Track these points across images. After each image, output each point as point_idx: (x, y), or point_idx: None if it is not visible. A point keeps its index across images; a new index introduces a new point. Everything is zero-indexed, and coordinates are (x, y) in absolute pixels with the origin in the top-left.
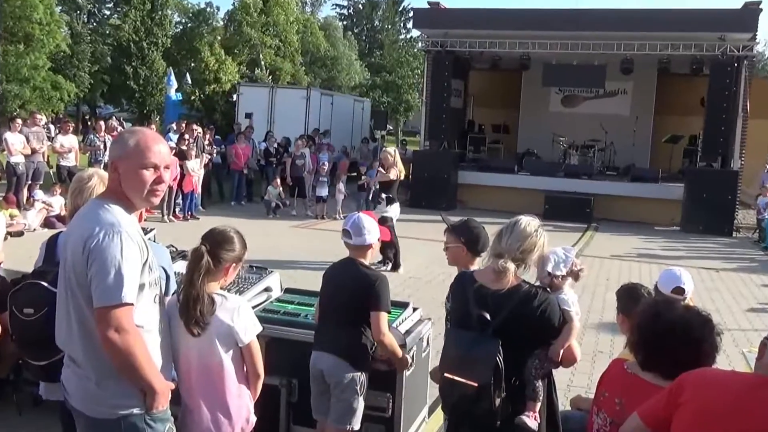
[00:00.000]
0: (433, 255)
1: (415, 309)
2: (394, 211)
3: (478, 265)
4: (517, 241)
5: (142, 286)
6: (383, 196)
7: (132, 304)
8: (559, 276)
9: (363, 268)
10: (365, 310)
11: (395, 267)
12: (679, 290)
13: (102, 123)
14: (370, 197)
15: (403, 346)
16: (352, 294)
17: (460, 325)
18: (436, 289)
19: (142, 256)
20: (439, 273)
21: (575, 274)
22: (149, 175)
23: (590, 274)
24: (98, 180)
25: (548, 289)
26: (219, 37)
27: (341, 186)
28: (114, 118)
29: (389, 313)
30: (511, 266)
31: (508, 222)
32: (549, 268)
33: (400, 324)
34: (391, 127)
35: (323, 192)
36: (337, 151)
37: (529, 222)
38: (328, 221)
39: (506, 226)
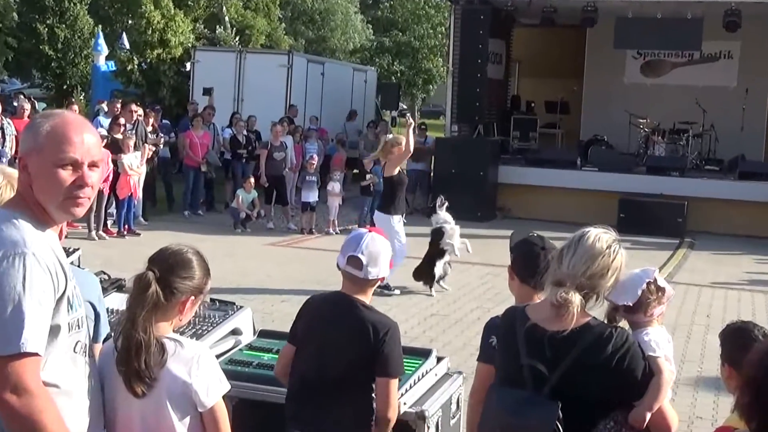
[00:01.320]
0: (464, 283)
1: (439, 359)
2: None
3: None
4: (583, 262)
5: (55, 329)
6: (440, 199)
7: (37, 355)
8: (645, 308)
9: (366, 312)
10: (370, 374)
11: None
12: None
13: None
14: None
15: (421, 416)
16: (353, 351)
17: (507, 380)
18: (468, 331)
19: (56, 288)
20: (472, 309)
21: (658, 299)
22: (67, 175)
23: (683, 309)
24: (4, 182)
25: (626, 327)
26: None
27: (336, 187)
28: (22, 96)
29: (402, 376)
30: (576, 298)
31: (570, 237)
32: (624, 299)
33: (419, 380)
34: (404, 106)
35: (311, 197)
36: (331, 141)
37: (598, 236)
38: (317, 237)
39: (568, 242)
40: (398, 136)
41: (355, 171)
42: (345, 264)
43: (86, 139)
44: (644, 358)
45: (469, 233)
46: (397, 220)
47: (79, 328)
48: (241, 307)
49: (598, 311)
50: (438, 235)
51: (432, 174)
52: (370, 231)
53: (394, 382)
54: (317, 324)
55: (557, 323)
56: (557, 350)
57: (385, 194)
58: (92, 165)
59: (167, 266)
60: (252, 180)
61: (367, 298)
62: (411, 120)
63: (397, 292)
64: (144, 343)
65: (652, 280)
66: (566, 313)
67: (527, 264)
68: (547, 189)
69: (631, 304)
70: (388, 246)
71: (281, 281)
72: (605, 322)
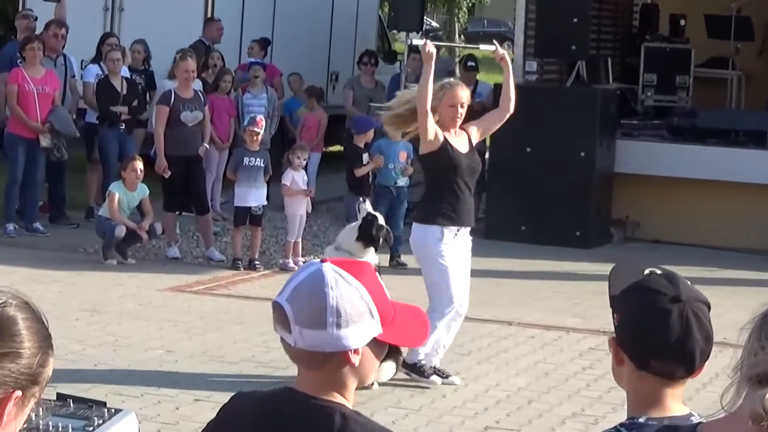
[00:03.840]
0: (546, 369)
1: None
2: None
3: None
4: None
5: None
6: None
7: None
8: None
9: (343, 427)
10: None
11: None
12: None
13: None
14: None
15: None
16: None
17: None
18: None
19: None
20: (563, 418)
21: None
22: None
23: None
24: None
25: None
26: None
27: (299, 179)
28: None
29: None
30: None
31: None
32: None
33: None
34: (435, 24)
35: (254, 197)
36: (292, 89)
37: None
38: (263, 275)
39: None
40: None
41: (336, 147)
42: (276, 325)
43: None
44: None
45: (558, 270)
46: (451, 238)
47: None
48: (117, 410)
49: None
50: None
51: (488, 155)
52: (321, 264)
53: None
54: None
55: None
56: None
57: (427, 191)
58: None
59: None
60: (138, 164)
61: (347, 392)
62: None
63: (437, 380)
64: None
65: None
66: None
67: (648, 331)
68: (713, 185)
69: None
70: (356, 289)
71: (192, 361)
72: None
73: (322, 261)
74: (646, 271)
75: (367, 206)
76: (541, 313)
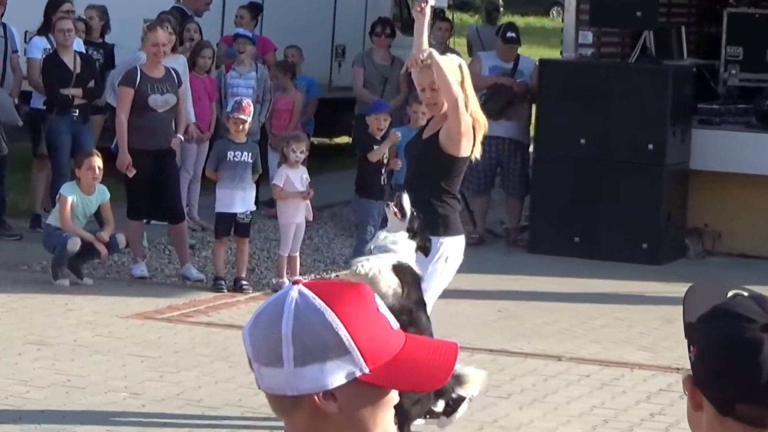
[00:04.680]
0: (606, 410)
1: None
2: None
3: None
4: None
5: None
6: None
7: None
8: None
9: None
10: None
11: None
12: None
13: None
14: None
15: None
16: None
17: None
18: None
19: None
20: None
21: None
22: None
23: None
24: None
25: None
26: None
27: (297, 178)
28: None
29: None
30: None
31: None
32: None
33: None
34: None
35: (240, 201)
36: (298, 80)
37: None
38: (252, 298)
39: None
40: None
41: (343, 139)
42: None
43: None
44: None
45: (620, 291)
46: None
47: None
48: None
49: None
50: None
51: (532, 149)
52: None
53: None
54: None
55: None
56: None
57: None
58: None
59: None
60: (96, 160)
61: None
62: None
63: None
64: None
65: None
66: None
67: (733, 367)
68: None
69: None
70: (324, 317)
71: (163, 406)
72: None
73: (294, 282)
74: (731, 293)
75: (405, 200)
76: (599, 345)
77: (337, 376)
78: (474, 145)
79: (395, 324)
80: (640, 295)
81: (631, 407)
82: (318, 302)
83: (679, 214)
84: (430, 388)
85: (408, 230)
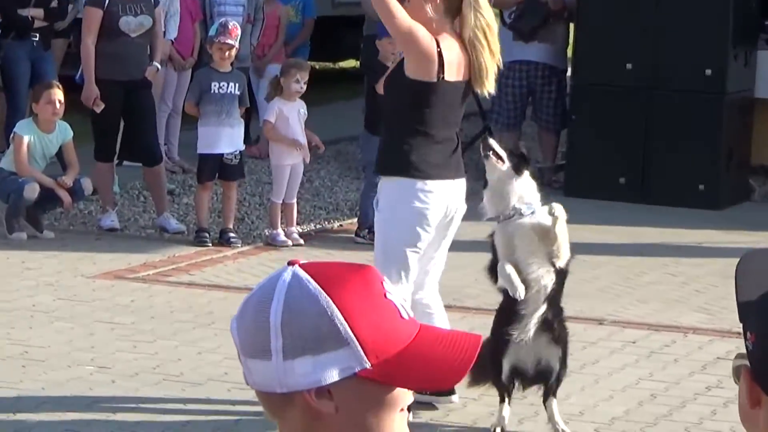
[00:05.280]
0: (655, 382)
1: None
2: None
3: None
4: None
5: None
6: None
7: None
8: None
9: None
10: None
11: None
12: None
13: None
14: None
15: None
16: None
17: None
18: None
19: None
20: None
21: None
22: None
23: None
24: None
25: None
26: None
27: (295, 113)
28: None
29: None
30: None
31: None
32: None
33: None
34: None
35: (227, 140)
36: None
37: None
38: (243, 252)
39: None
40: None
41: (349, 62)
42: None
43: None
44: None
45: (672, 241)
46: None
47: None
48: None
49: None
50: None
51: (569, 74)
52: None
53: None
54: None
55: None
56: None
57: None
58: None
59: None
60: (58, 93)
61: None
62: None
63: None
64: None
65: None
66: None
67: None
68: None
69: None
70: (312, 300)
71: (136, 382)
72: None
73: (290, 263)
74: None
75: (493, 143)
76: (647, 306)
77: (331, 370)
78: (483, 78)
79: (407, 312)
80: (695, 246)
81: (684, 379)
82: (313, 286)
83: (742, 150)
84: (442, 386)
85: (514, 169)
